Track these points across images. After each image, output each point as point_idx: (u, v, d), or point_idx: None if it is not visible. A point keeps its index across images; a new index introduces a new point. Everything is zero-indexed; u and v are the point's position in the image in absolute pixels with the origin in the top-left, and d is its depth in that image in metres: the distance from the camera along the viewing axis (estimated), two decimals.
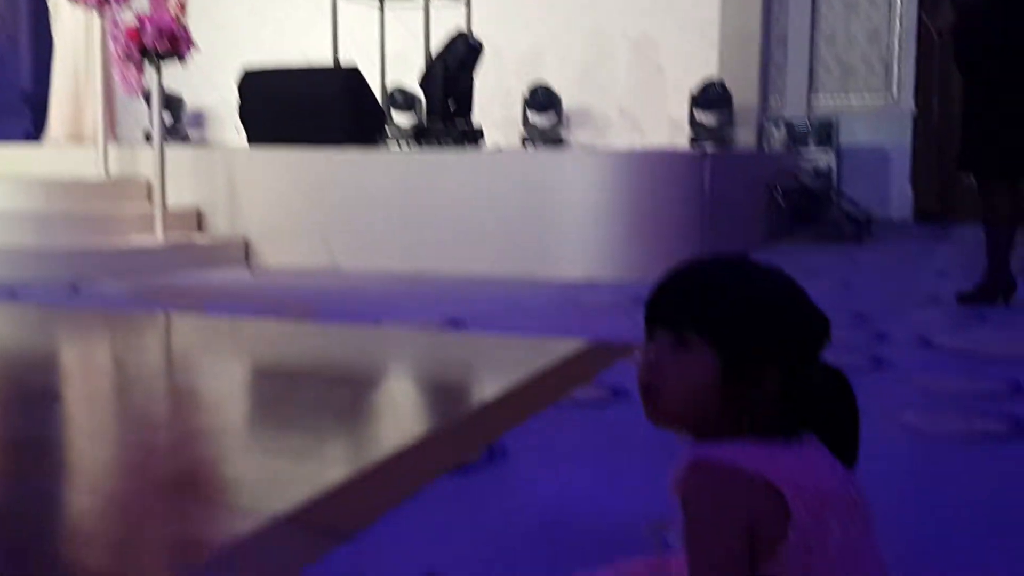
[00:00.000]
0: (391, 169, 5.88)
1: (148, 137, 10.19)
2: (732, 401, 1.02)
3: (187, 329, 4.35)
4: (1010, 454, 2.41)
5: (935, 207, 9.89)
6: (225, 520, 1.94)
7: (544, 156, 5.72)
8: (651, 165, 5.73)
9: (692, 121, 8.60)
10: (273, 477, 2.19)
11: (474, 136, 5.90)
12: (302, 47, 10.15)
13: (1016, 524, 1.97)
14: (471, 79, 5.96)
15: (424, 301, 4.86)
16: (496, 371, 3.48)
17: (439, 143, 5.86)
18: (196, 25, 10.70)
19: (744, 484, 0.97)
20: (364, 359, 3.54)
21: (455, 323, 4.17)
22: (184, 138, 10.37)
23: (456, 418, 2.67)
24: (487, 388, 3.11)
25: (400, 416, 2.80)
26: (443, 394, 3.00)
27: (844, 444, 1.06)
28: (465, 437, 2.53)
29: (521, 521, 1.98)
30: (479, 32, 8.45)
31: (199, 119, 10.82)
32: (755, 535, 0.96)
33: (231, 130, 10.52)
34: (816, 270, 6.07)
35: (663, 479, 2.21)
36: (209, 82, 9.65)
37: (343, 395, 2.94)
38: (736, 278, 1.06)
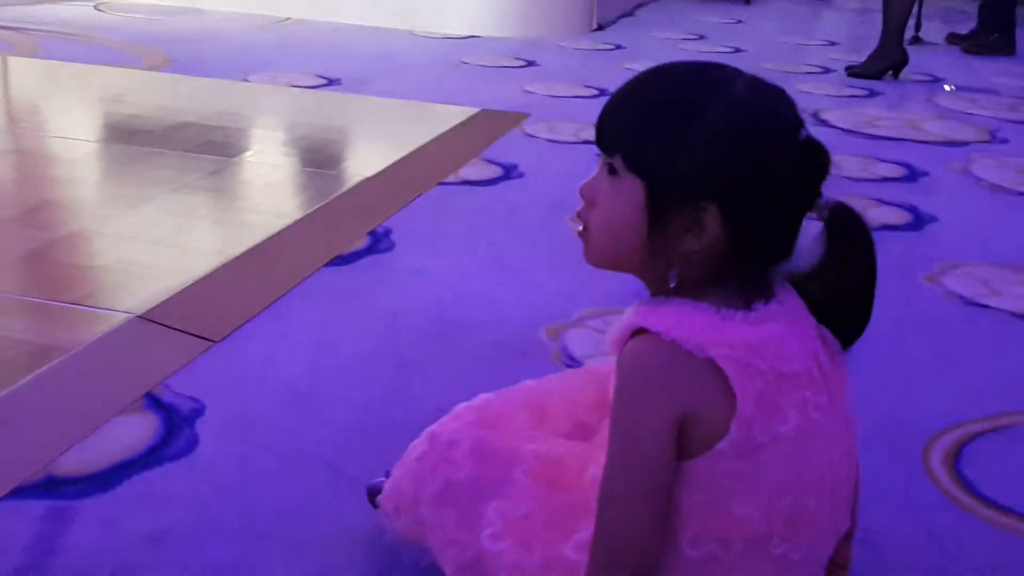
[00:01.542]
0: None
1: None
2: (666, 244, 0.84)
3: (25, 74, 3.87)
4: (907, 244, 2.35)
5: None
6: (76, 320, 1.70)
7: None
8: None
9: None
10: (127, 269, 1.94)
11: None
12: None
13: (910, 316, 1.92)
14: None
15: (293, 53, 4.45)
16: (376, 142, 3.21)
17: None
18: None
19: (682, 362, 0.81)
20: (229, 122, 3.21)
21: (330, 81, 3.83)
22: None
23: (334, 199, 2.43)
24: (366, 162, 2.85)
25: (271, 195, 2.54)
26: (318, 169, 2.74)
27: (850, 311, 0.90)
28: (344, 221, 2.31)
29: (409, 319, 1.82)
30: None
31: None
32: (691, 422, 0.82)
33: None
34: (703, 32, 5.86)
35: (561, 273, 2.08)
36: None
37: (206, 167, 2.65)
38: (677, 90, 0.86)
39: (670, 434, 0.82)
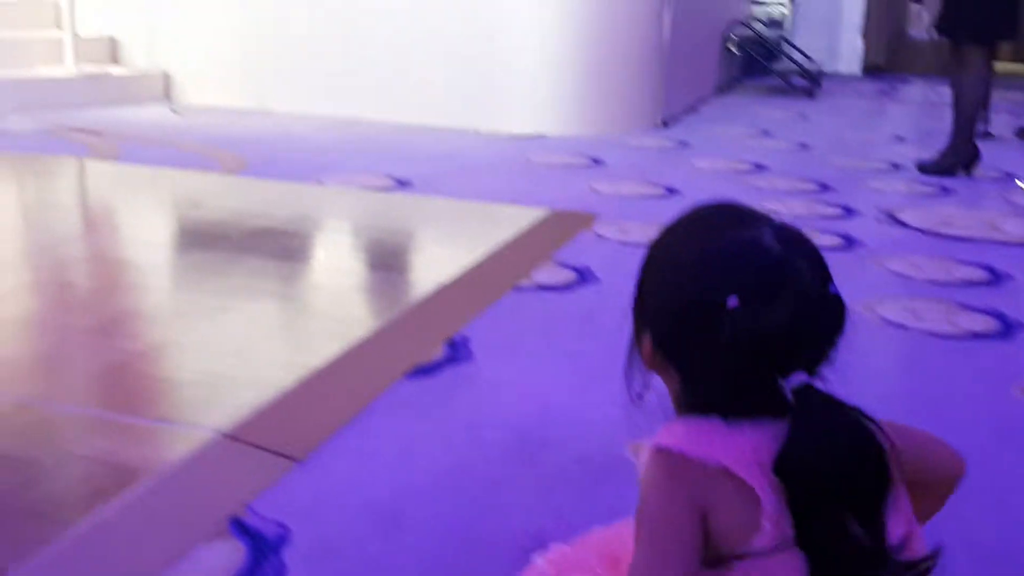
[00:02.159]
0: (327, 3, 5.41)
1: None
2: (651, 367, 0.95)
3: (104, 178, 3.98)
4: (997, 353, 2.27)
5: (884, 61, 9.69)
6: (159, 438, 1.70)
7: None
8: (607, 7, 5.36)
9: None
10: (208, 382, 1.94)
11: None
12: None
13: (1006, 430, 1.84)
14: None
15: (364, 154, 4.54)
16: (450, 246, 3.22)
17: None
18: None
19: (693, 470, 0.87)
20: (304, 227, 3.26)
21: (400, 183, 3.88)
22: None
23: (411, 307, 2.43)
24: (440, 267, 2.86)
25: (347, 302, 2.55)
26: (392, 274, 2.75)
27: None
28: (422, 330, 2.30)
29: (491, 434, 1.79)
30: None
31: None
32: (715, 515, 0.87)
33: None
34: (769, 128, 5.86)
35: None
36: None
37: (283, 273, 2.67)
38: (668, 236, 0.97)
39: (691, 519, 0.86)
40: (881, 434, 0.88)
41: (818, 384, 0.89)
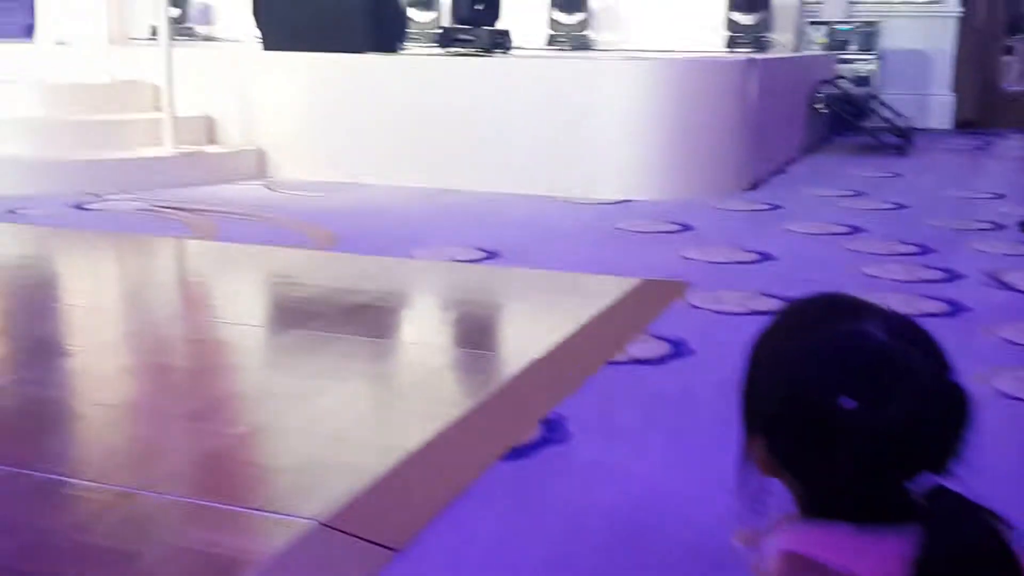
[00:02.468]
0: (414, 76, 5.50)
1: (154, 32, 9.76)
2: (782, 476, 0.90)
3: (201, 256, 4.07)
4: None
5: (976, 116, 9.46)
6: (259, 528, 1.69)
7: (577, 64, 5.34)
8: (693, 74, 5.34)
9: (728, 22, 8.15)
10: (306, 468, 1.93)
11: (502, 42, 5.50)
12: None
13: None
14: None
15: (453, 225, 4.56)
16: (541, 319, 3.19)
17: (465, 49, 5.47)
18: None
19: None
20: (396, 302, 3.27)
21: (490, 254, 3.88)
22: (190, 33, 9.92)
23: (504, 385, 2.40)
24: (531, 341, 2.83)
25: (440, 381, 2.53)
26: (484, 351, 2.73)
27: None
28: (516, 410, 2.27)
29: (593, 521, 1.74)
30: None
31: (206, 13, 10.33)
32: None
33: (239, 26, 10.08)
34: (862, 188, 5.74)
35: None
36: None
37: (376, 351, 2.68)
38: (770, 334, 0.91)
39: None
40: (1012, 539, 0.83)
41: (948, 482, 0.84)
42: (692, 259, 3.85)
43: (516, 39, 6.30)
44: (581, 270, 3.65)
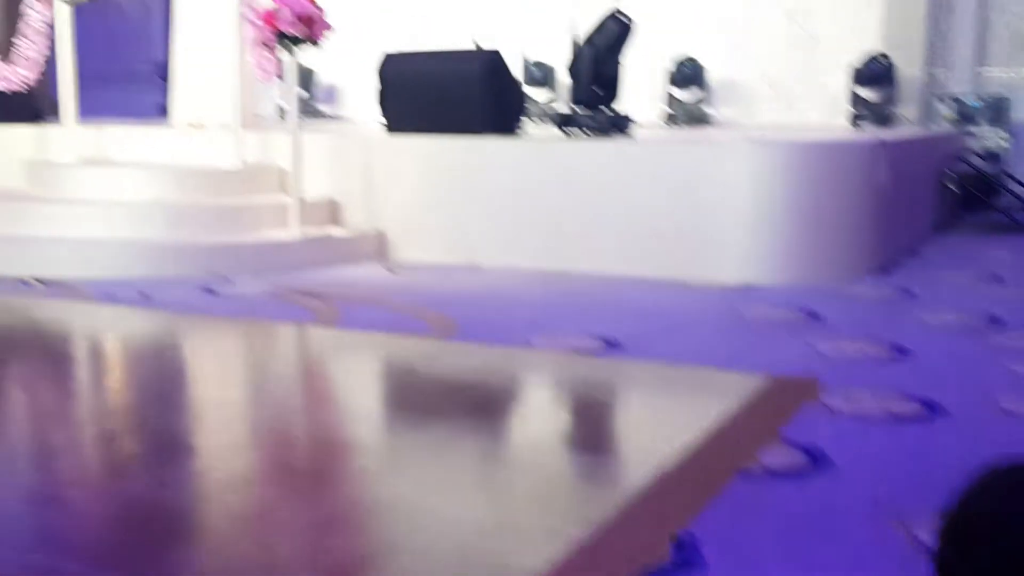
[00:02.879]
0: (534, 159, 5.53)
1: (281, 114, 10.12)
2: None
3: (324, 345, 4.11)
4: None
5: None
6: None
7: (698, 146, 5.28)
8: (820, 157, 5.22)
9: (852, 97, 7.98)
10: None
11: (622, 124, 5.48)
12: (439, 16, 9.89)
13: None
14: (619, 62, 5.53)
15: (572, 311, 4.51)
16: (665, 421, 3.10)
17: (585, 132, 5.47)
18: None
19: None
20: (514, 403, 3.23)
21: (610, 344, 3.81)
22: (315, 113, 10.25)
23: (630, 497, 2.31)
24: (659, 447, 2.73)
25: (563, 491, 2.45)
26: (609, 458, 2.65)
27: None
28: (644, 527, 2.17)
29: None
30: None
31: (331, 93, 10.67)
32: None
33: (363, 106, 10.36)
34: (1000, 271, 5.48)
35: None
36: (342, 55, 9.47)
37: (494, 459, 2.62)
38: (975, 511, 0.88)
39: None
40: None
41: None
42: (823, 353, 3.70)
43: (630, 111, 6.28)
44: (704, 362, 3.54)
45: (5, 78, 6.39)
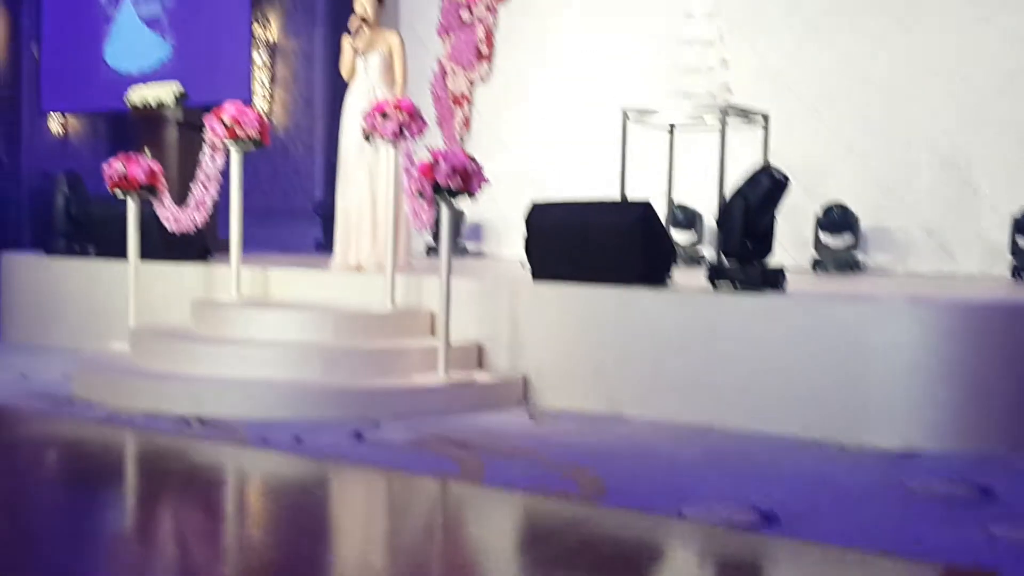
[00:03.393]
0: (682, 311, 5.47)
1: (428, 251, 10.42)
2: None
3: (467, 505, 4.08)
4: None
5: None
6: None
7: (855, 303, 5.13)
8: (987, 318, 4.98)
9: (1014, 248, 7.67)
10: None
11: (775, 280, 5.39)
12: (585, 161, 10.12)
13: None
14: (773, 216, 5.48)
15: (723, 474, 4.37)
16: None
17: (735, 285, 5.40)
18: (476, 139, 10.95)
19: None
20: None
21: (766, 518, 3.65)
22: (463, 251, 10.52)
23: None
24: None
25: None
26: None
27: None
28: None
29: None
30: (774, 156, 8.00)
31: (477, 231, 10.95)
32: None
33: (508, 245, 10.61)
34: None
35: None
36: (489, 195, 9.74)
37: None
38: None
39: None
40: None
41: None
42: (1000, 538, 3.45)
43: (778, 256, 6.18)
44: (868, 542, 3.35)
45: (178, 220, 6.79)
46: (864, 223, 8.61)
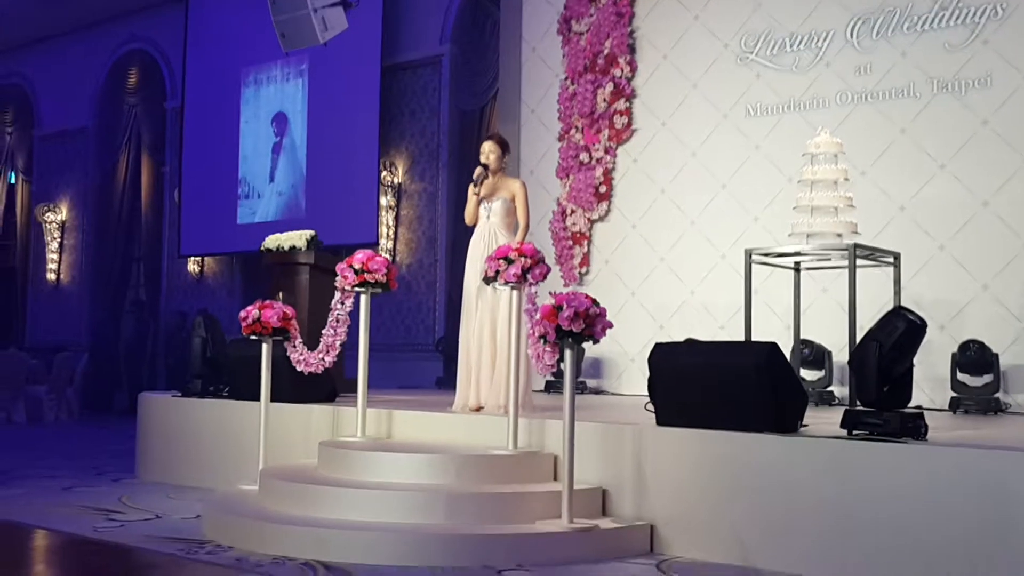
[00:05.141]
0: (816, 460, 5.27)
1: (548, 386, 10.39)
2: None
3: None
4: None
5: None
6: None
7: (1001, 453, 4.85)
8: None
9: None
10: None
11: (915, 430, 5.16)
12: (706, 302, 10.06)
13: None
14: (910, 361, 5.28)
15: None
16: None
17: (871, 433, 5.19)
18: (595, 276, 11.01)
19: None
20: None
21: None
22: (582, 388, 10.46)
23: None
24: None
25: None
26: None
27: None
28: None
29: None
30: (905, 293, 7.81)
31: (596, 367, 10.90)
32: None
33: (627, 382, 10.52)
34: None
35: None
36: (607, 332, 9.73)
37: None
38: None
39: None
40: None
41: None
42: None
43: (916, 398, 5.91)
44: None
45: (308, 363, 6.96)
46: (1003, 360, 8.23)
